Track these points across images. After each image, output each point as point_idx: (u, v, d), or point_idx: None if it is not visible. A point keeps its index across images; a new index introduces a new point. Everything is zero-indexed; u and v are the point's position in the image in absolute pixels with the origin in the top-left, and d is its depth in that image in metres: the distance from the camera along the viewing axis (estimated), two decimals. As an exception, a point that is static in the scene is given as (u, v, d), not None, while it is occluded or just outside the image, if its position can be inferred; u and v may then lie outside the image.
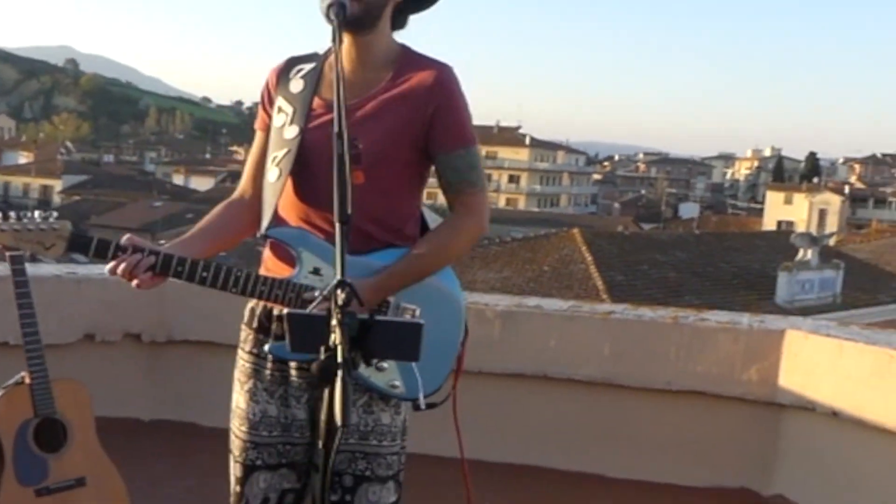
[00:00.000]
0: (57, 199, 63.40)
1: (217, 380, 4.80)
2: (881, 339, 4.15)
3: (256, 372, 2.37)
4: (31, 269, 4.80)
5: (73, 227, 2.28)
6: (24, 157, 79.85)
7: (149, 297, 4.83)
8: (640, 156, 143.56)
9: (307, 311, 2.01)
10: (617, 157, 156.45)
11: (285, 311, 1.88)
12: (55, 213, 2.26)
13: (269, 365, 2.34)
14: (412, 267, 2.27)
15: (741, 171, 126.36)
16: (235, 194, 2.48)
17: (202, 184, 72.17)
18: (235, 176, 75.02)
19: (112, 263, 2.21)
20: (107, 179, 68.49)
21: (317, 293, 2.11)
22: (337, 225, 1.90)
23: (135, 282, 2.22)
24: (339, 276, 1.82)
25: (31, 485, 3.06)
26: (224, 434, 4.59)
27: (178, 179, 76.69)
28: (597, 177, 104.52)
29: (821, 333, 4.27)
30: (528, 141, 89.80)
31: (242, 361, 2.41)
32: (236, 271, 2.24)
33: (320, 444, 1.85)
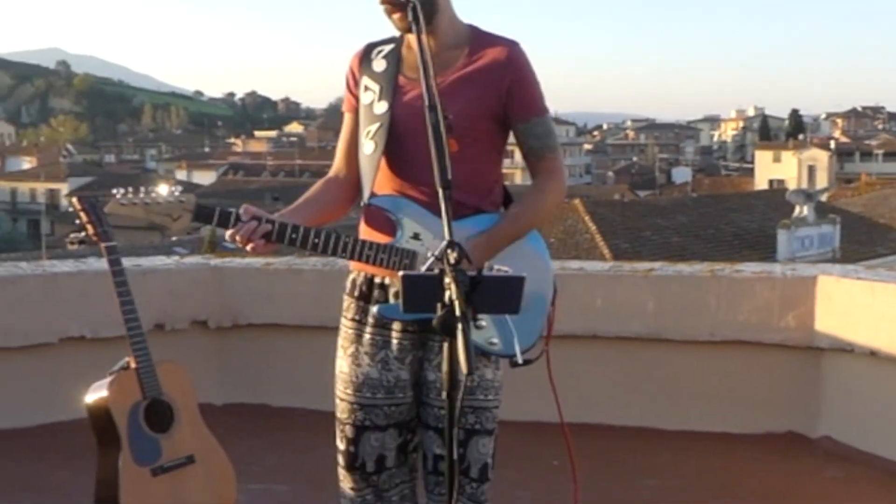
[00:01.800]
0: (64, 202, 63.00)
1: (284, 361, 5.10)
2: (910, 278, 4.39)
3: (358, 337, 2.53)
4: (96, 263, 5.08)
5: (197, 200, 2.46)
6: (27, 163, 79.15)
7: (211, 284, 5.09)
8: (629, 123, 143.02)
9: (421, 271, 2.20)
10: (605, 126, 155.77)
11: (399, 273, 2.02)
12: (180, 188, 2.46)
13: (369, 330, 2.52)
14: (510, 228, 2.49)
15: (727, 132, 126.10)
16: (331, 173, 2.66)
17: (205, 178, 71.80)
18: (237, 168, 74.62)
19: (230, 230, 2.37)
20: (111, 179, 67.88)
21: (429, 255, 2.22)
22: (440, 190, 2.10)
23: (249, 246, 2.38)
24: (448, 237, 2.01)
25: (147, 464, 3.20)
26: (296, 413, 4.87)
27: (180, 175, 76.12)
28: (588, 147, 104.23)
29: (851, 277, 4.51)
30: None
31: (345, 328, 2.57)
32: (344, 237, 2.42)
33: (443, 394, 1.98)
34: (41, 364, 4.65)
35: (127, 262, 5.10)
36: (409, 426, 2.57)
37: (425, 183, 2.41)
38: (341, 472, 2.59)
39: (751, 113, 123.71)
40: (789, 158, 64.63)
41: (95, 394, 3.25)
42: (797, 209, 25.21)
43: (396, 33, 2.54)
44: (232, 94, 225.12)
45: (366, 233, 2.54)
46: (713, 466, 4.38)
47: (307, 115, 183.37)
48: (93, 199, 3.06)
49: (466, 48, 2.50)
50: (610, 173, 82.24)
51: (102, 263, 4.93)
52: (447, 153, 2.14)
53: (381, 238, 2.47)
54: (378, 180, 2.50)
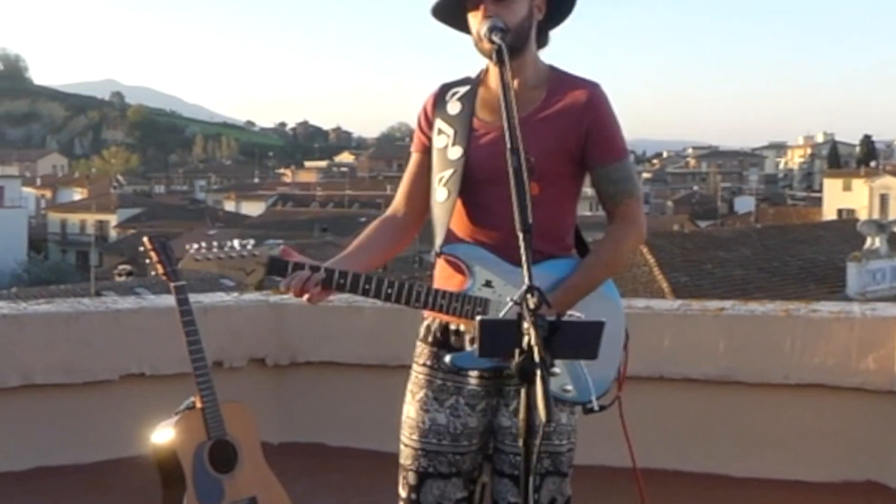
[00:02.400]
0: (113, 233, 64.40)
1: (341, 400, 5.05)
2: None
3: (429, 383, 2.51)
4: (157, 300, 5.10)
5: (270, 254, 2.43)
6: (78, 194, 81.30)
7: (270, 322, 5.07)
8: (689, 150, 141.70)
9: (499, 316, 2.20)
10: (665, 154, 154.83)
11: (477, 318, 2.00)
12: (252, 241, 2.44)
13: (441, 376, 2.49)
14: (587, 279, 2.44)
15: (794, 159, 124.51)
16: (388, 212, 2.64)
17: (253, 209, 72.92)
18: (286, 199, 75.63)
19: (285, 280, 2.36)
20: (160, 210, 69.53)
21: (508, 300, 2.22)
22: (520, 234, 2.07)
23: (306, 296, 2.37)
24: (528, 282, 1.99)
25: None
26: (353, 453, 4.81)
27: (229, 206, 77.53)
28: (647, 175, 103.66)
29: (935, 317, 4.33)
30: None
31: (416, 374, 2.55)
32: (417, 287, 2.39)
33: (520, 442, 1.98)
34: (102, 401, 4.66)
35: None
36: (472, 476, 2.53)
37: (498, 229, 2.40)
38: None
39: (819, 139, 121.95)
40: (860, 187, 63.29)
41: (162, 434, 3.28)
42: (868, 241, 24.63)
43: (469, 73, 2.54)
44: (283, 124, 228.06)
45: (439, 281, 2.52)
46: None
47: (358, 145, 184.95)
48: (163, 240, 3.13)
49: (546, 88, 2.47)
50: (669, 203, 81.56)
51: (162, 300, 5.00)
52: (528, 196, 2.11)
53: (453, 285, 2.45)
54: (452, 227, 2.48)
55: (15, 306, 4.89)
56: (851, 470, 4.47)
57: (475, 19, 2.39)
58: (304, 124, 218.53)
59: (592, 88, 2.46)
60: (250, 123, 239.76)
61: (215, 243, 2.41)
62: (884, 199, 60.30)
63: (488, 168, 2.40)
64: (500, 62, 2.26)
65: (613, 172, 2.46)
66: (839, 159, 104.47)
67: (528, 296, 1.95)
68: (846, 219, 42.51)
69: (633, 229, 2.49)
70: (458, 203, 2.46)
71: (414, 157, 2.61)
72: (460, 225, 2.48)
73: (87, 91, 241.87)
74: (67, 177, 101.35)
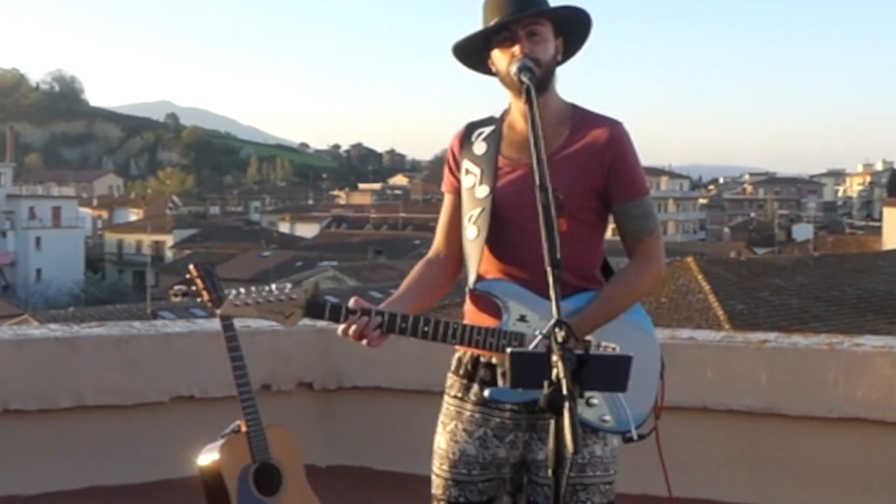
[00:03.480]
0: (169, 254, 65.24)
1: (387, 424, 5.12)
2: None
3: (459, 414, 2.56)
4: (206, 324, 5.22)
5: (308, 296, 2.49)
6: (133, 215, 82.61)
7: (317, 346, 5.16)
8: (746, 177, 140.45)
9: (529, 349, 2.25)
10: (722, 180, 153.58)
11: (508, 350, 2.03)
12: (290, 285, 2.52)
13: (469, 407, 2.54)
14: (602, 310, 2.47)
15: (853, 187, 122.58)
16: (430, 254, 2.69)
17: (307, 231, 73.51)
18: (339, 221, 76.12)
19: (343, 325, 2.42)
20: (215, 231, 70.25)
21: (536, 332, 2.30)
22: (549, 270, 2.12)
23: (365, 341, 2.43)
24: (556, 316, 2.03)
25: None
26: (399, 478, 4.88)
27: (283, 227, 78.14)
28: (703, 201, 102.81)
29: (981, 353, 4.28)
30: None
31: (447, 405, 2.60)
32: (453, 324, 2.44)
33: (549, 472, 2.01)
34: (152, 422, 4.78)
35: (236, 322, 5.27)
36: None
37: (529, 264, 2.44)
38: None
39: (879, 167, 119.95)
40: (920, 215, 61.97)
41: (207, 456, 3.38)
42: (927, 271, 24.14)
43: (494, 112, 2.59)
44: (337, 146, 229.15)
45: (471, 317, 2.56)
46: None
47: (412, 168, 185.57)
48: (208, 266, 3.20)
49: (569, 125, 2.52)
50: (726, 229, 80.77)
51: (213, 324, 5.12)
52: (556, 232, 2.16)
53: (487, 321, 2.49)
54: (482, 264, 2.53)
55: (68, 329, 5.05)
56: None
57: (504, 56, 2.45)
58: (358, 146, 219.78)
59: (614, 126, 2.51)
60: (304, 145, 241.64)
61: (253, 288, 2.46)
62: (945, 229, 58.93)
63: (515, 205, 2.46)
64: (528, 101, 2.32)
65: (633, 209, 2.51)
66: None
67: (557, 329, 2.00)
68: (906, 248, 41.57)
69: (653, 265, 2.54)
70: (488, 240, 2.51)
71: (447, 199, 2.67)
72: (491, 262, 2.54)
73: (141, 112, 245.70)
74: (123, 197, 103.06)
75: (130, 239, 70.69)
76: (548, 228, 2.16)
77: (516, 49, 2.43)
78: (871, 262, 28.40)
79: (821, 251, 43.81)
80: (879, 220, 71.70)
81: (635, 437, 2.45)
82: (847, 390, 4.43)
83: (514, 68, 2.40)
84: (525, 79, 2.35)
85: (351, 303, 2.43)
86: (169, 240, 67.25)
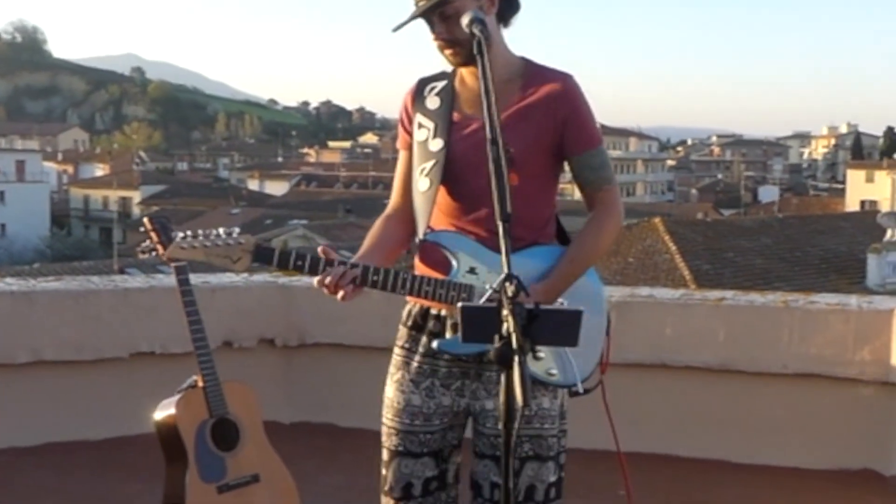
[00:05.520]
0: (136, 210, 64.47)
1: (350, 381, 5.12)
2: None
3: (406, 364, 2.58)
4: (166, 279, 5.18)
5: (255, 240, 2.47)
6: (99, 170, 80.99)
7: (279, 303, 5.14)
8: (714, 139, 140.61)
9: (480, 303, 2.24)
10: (690, 142, 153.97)
11: (459, 304, 2.05)
12: (237, 229, 2.49)
13: (417, 358, 2.56)
14: (572, 268, 2.50)
15: (818, 149, 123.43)
16: (388, 210, 2.69)
17: (277, 188, 72.92)
18: (309, 179, 75.42)
19: (319, 276, 2.40)
20: (183, 188, 69.42)
21: (487, 287, 2.30)
22: (500, 223, 2.12)
23: (340, 294, 2.41)
24: (506, 271, 2.05)
25: (212, 482, 3.28)
26: (362, 433, 4.87)
27: (252, 185, 77.41)
28: (671, 163, 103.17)
29: (931, 311, 4.36)
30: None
31: (395, 356, 2.63)
32: (403, 274, 2.45)
33: (500, 425, 2.02)
34: (112, 378, 4.76)
35: (196, 278, 5.19)
36: (443, 456, 2.59)
37: (481, 217, 2.47)
38: (381, 496, 2.64)
39: (843, 130, 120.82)
40: (883, 178, 62.66)
41: (163, 411, 3.35)
42: (889, 232, 24.48)
43: (448, 67, 2.57)
44: (307, 104, 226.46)
45: (421, 268, 2.57)
46: (782, 502, 4.29)
47: (382, 126, 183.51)
48: (164, 220, 3.15)
49: (520, 81, 2.52)
50: (693, 191, 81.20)
51: (172, 279, 5.05)
52: (507, 187, 2.16)
53: (436, 273, 2.50)
54: (433, 216, 2.53)
55: (24, 283, 4.97)
56: (847, 458, 4.53)
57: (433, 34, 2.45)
58: (328, 103, 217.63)
59: (566, 79, 2.52)
60: (273, 102, 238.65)
61: (201, 231, 2.44)
62: (906, 191, 59.75)
63: (469, 159, 2.46)
64: (479, 53, 2.29)
65: (591, 159, 2.53)
66: (863, 150, 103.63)
67: (507, 284, 2.01)
68: (868, 210, 42.13)
69: (613, 217, 2.56)
70: (440, 193, 2.52)
71: (403, 155, 2.67)
72: (443, 214, 2.54)
73: (107, 65, 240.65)
74: (89, 152, 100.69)
75: (97, 194, 69.52)
76: (499, 182, 2.16)
77: (434, 36, 2.44)
78: (833, 224, 28.80)
79: (785, 213, 44.25)
80: (843, 182, 72.60)
81: (581, 391, 2.47)
82: (801, 347, 4.52)
83: (465, 20, 2.36)
84: (476, 31, 2.32)
85: (319, 251, 2.42)
86: (136, 196, 66.39)
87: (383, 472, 2.60)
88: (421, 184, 2.55)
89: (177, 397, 3.34)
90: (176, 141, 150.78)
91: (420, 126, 2.58)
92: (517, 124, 2.45)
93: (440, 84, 2.60)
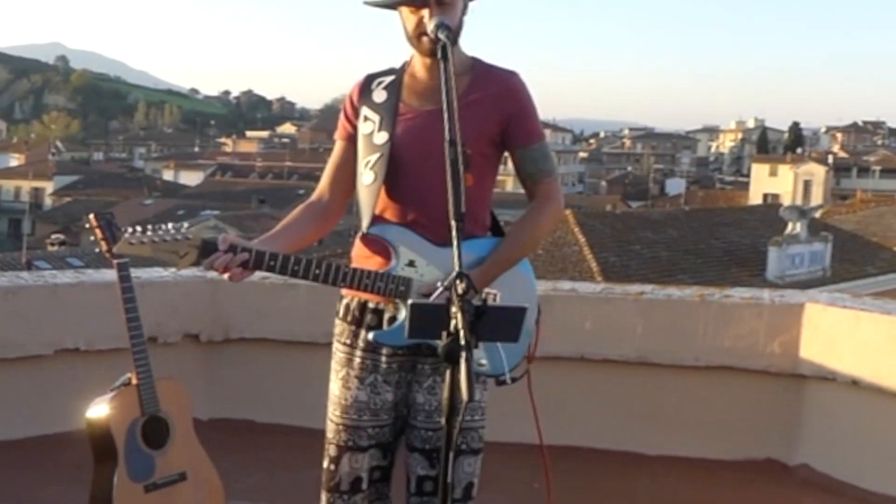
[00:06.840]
0: (48, 201, 62.69)
1: (271, 376, 5.13)
2: (894, 308, 4.48)
3: (349, 361, 2.63)
4: (95, 275, 5.11)
5: (204, 236, 2.51)
6: (15, 160, 78.97)
7: (206, 297, 5.11)
8: (626, 131, 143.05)
9: (429, 300, 2.33)
10: (602, 134, 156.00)
11: (410, 301, 2.13)
12: (186, 224, 2.52)
13: (359, 354, 2.61)
14: (509, 254, 2.60)
15: (725, 143, 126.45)
16: (313, 197, 2.74)
17: (192, 178, 71.66)
18: (225, 169, 74.19)
19: (207, 260, 2.46)
20: (97, 178, 67.89)
21: (423, 277, 2.41)
22: (453, 223, 2.21)
23: (227, 275, 2.47)
24: (457, 269, 2.13)
25: (140, 481, 3.27)
26: (280, 430, 4.90)
27: (167, 175, 75.94)
28: (583, 155, 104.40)
29: (838, 305, 4.59)
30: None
31: (337, 352, 2.67)
32: (343, 266, 2.50)
33: (437, 418, 2.11)
34: (35, 376, 4.67)
35: (123, 273, 5.17)
36: (389, 448, 2.66)
37: (422, 210, 2.53)
38: (322, 493, 2.66)
39: (751, 124, 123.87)
40: (786, 172, 64.77)
41: (97, 409, 3.31)
42: (790, 226, 25.22)
43: (394, 64, 2.65)
44: (227, 93, 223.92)
45: (360, 260, 2.62)
46: (689, 493, 4.44)
47: (301, 116, 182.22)
48: (108, 216, 3.14)
49: (468, 77, 2.60)
50: (603, 183, 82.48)
51: (101, 275, 5.00)
52: (462, 187, 2.23)
53: (375, 265, 2.56)
54: (376, 209, 2.58)
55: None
56: (753, 448, 4.71)
57: (412, 16, 2.51)
58: (249, 93, 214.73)
59: (512, 77, 2.64)
60: (194, 91, 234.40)
61: (150, 227, 2.47)
62: (807, 186, 61.95)
63: (413, 151, 2.54)
64: (444, 58, 2.37)
65: (534, 153, 2.64)
66: (768, 145, 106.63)
67: (458, 281, 2.09)
68: (771, 203, 43.52)
69: (553, 206, 2.67)
70: (384, 186, 2.58)
71: (339, 145, 2.72)
72: (385, 207, 2.60)
73: (31, 54, 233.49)
74: (6, 142, 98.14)
75: (9, 185, 67.42)
76: (454, 182, 2.24)
77: (425, 14, 2.49)
78: (737, 217, 29.55)
79: (691, 205, 45.32)
80: (748, 176, 74.60)
81: (509, 381, 2.55)
82: (715, 340, 4.68)
83: (431, 25, 2.44)
84: (442, 36, 2.40)
85: (220, 238, 2.47)
86: (49, 186, 64.49)
87: (330, 467, 2.63)
88: (365, 177, 2.60)
89: (110, 395, 3.30)
90: (94, 130, 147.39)
91: (366, 119, 2.64)
92: (464, 116, 2.48)
93: (388, 79, 2.66)
